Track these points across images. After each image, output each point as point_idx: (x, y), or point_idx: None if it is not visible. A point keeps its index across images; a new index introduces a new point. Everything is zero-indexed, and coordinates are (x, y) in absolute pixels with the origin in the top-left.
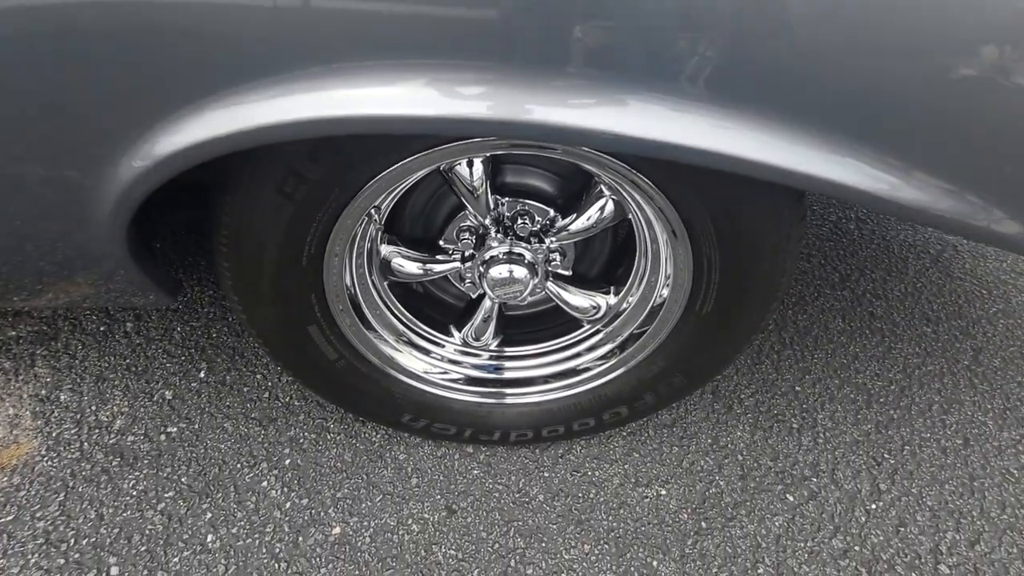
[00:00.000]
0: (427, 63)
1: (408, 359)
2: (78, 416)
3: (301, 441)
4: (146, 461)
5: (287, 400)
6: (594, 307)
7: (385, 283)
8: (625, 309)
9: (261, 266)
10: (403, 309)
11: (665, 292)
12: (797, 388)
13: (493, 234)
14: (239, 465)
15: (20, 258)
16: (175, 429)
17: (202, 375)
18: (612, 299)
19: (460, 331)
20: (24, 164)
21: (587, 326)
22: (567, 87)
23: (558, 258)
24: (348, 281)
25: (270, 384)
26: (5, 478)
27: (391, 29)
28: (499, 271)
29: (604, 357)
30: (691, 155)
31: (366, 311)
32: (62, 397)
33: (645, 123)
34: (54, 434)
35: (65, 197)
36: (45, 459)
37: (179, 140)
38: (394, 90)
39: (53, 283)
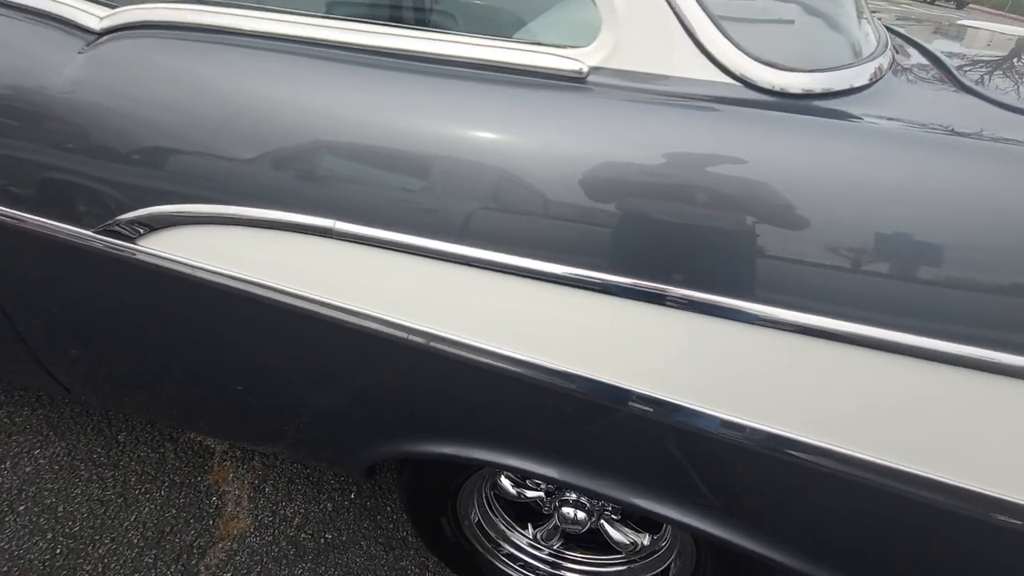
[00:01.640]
0: None
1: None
2: (274, 507)
3: (408, 572)
4: (310, 556)
5: (403, 535)
6: (632, 544)
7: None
8: (657, 551)
9: (420, 497)
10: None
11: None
12: None
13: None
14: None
15: (307, 439)
16: (330, 536)
17: (352, 496)
18: (647, 539)
19: (533, 530)
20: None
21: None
22: None
23: (611, 506)
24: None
25: (394, 517)
26: (228, 543)
27: None
28: (568, 511)
29: None
30: None
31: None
32: (267, 489)
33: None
34: (259, 518)
35: (352, 442)
36: (252, 535)
37: (421, 450)
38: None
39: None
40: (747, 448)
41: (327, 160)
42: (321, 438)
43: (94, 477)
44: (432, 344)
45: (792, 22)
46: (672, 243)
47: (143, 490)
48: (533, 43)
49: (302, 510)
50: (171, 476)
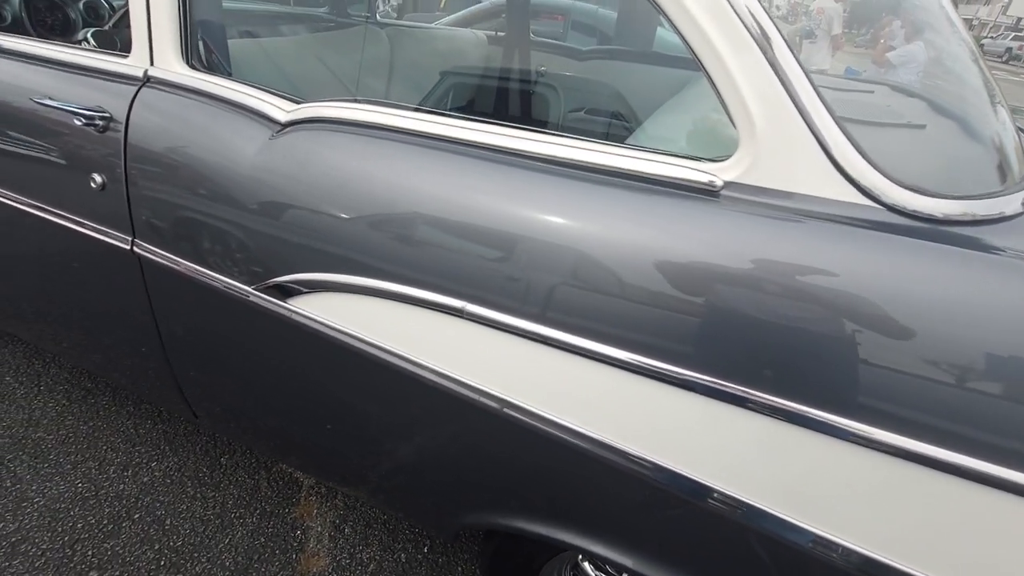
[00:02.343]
0: None
1: None
2: (351, 550)
3: None
4: None
5: None
6: None
7: None
8: None
9: (502, 569)
10: None
11: None
12: None
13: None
14: None
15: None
16: None
17: (426, 550)
18: None
19: None
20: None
21: None
22: None
23: None
24: None
25: (460, 571)
26: None
27: None
28: None
29: None
30: None
31: None
32: (346, 530)
33: None
34: (336, 558)
35: (446, 506)
36: (329, 574)
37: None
38: None
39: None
40: (834, 565)
41: (466, 249)
42: (420, 496)
43: (197, 495)
44: (535, 423)
45: (924, 127)
46: (795, 360)
47: (238, 514)
48: (671, 155)
49: (377, 556)
50: (262, 504)
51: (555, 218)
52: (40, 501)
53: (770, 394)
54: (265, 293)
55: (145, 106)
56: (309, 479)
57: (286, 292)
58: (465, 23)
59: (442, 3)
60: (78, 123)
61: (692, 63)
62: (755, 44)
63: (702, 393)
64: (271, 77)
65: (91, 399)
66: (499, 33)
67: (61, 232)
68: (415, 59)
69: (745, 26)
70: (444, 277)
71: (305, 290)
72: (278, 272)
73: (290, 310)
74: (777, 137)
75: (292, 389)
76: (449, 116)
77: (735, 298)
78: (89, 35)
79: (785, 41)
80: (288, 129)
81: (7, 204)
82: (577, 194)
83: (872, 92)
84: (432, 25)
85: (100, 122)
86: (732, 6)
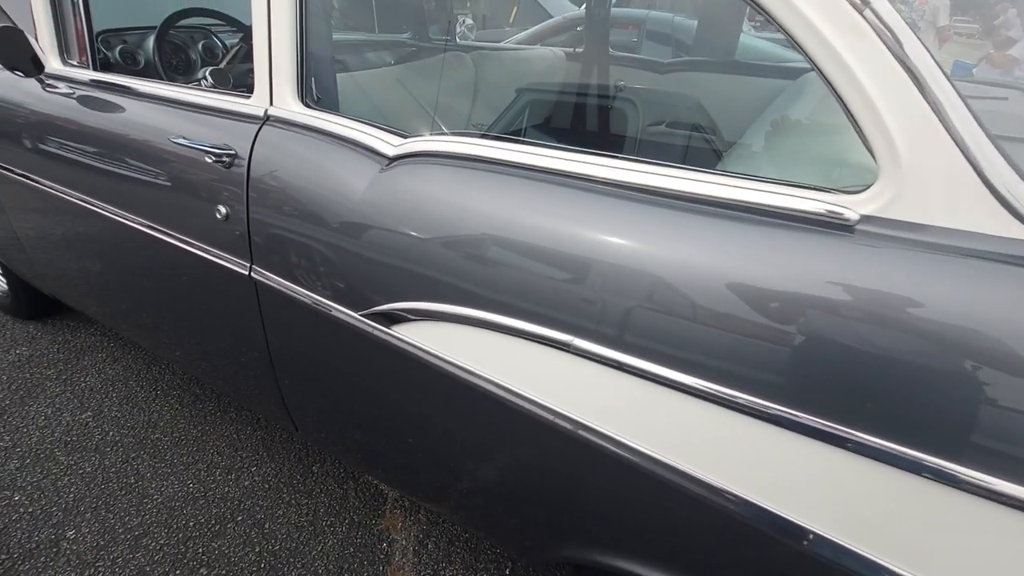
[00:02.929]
0: None
1: None
2: (435, 566)
3: None
4: None
5: None
6: None
7: None
8: None
9: None
10: None
11: None
12: None
13: None
14: None
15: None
16: None
17: (507, 572)
18: None
19: None
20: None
21: None
22: None
23: None
24: None
25: None
26: None
27: None
28: None
29: None
30: None
31: None
32: (430, 546)
33: None
34: (421, 573)
35: (546, 539)
36: None
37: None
38: None
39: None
40: None
41: (573, 283)
42: (521, 529)
43: (292, 501)
44: (638, 460)
45: None
46: (948, 418)
47: (328, 523)
48: (801, 186)
49: (459, 575)
50: (351, 514)
51: (665, 253)
52: (158, 499)
53: (899, 444)
54: (370, 320)
55: (265, 143)
56: (393, 492)
57: (390, 319)
58: (538, 38)
59: (511, 18)
60: (208, 160)
61: (782, 71)
62: (886, 48)
63: (837, 445)
64: (371, 109)
65: (199, 404)
66: (576, 49)
67: (187, 256)
68: (499, 81)
69: (868, 23)
70: (550, 310)
71: (409, 318)
72: (383, 300)
73: (393, 336)
74: (925, 165)
75: (390, 409)
76: (555, 148)
77: (873, 342)
78: (207, 73)
79: (921, 43)
80: (396, 163)
81: (141, 229)
82: (689, 228)
83: (1007, 99)
84: (513, 46)
85: (226, 159)
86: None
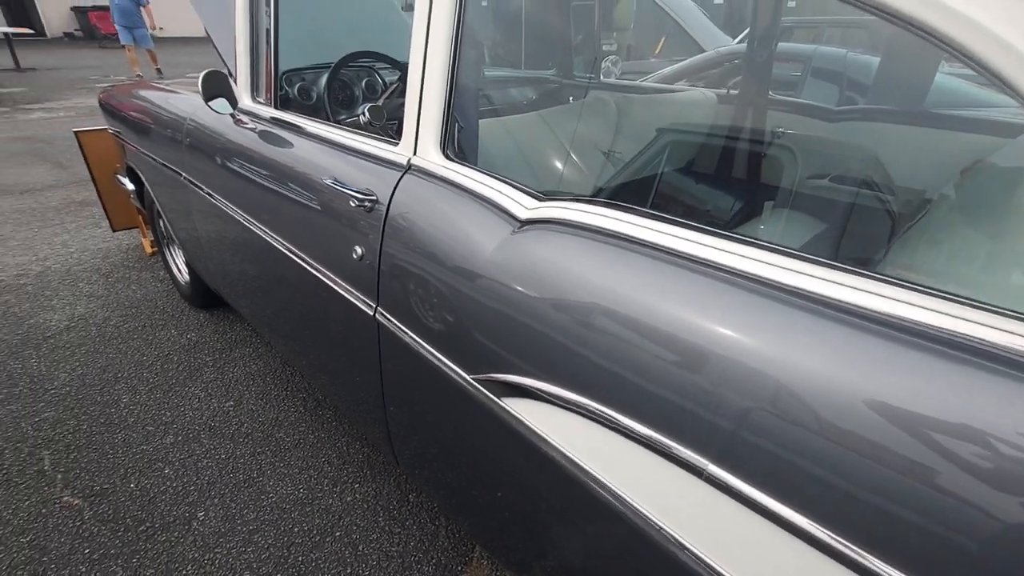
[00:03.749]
0: None
1: None
2: None
3: None
4: None
5: None
6: None
7: None
8: None
9: None
10: None
11: None
12: None
13: None
14: None
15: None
16: None
17: None
18: None
19: None
20: None
21: None
22: None
23: None
24: None
25: None
26: None
27: None
28: None
29: None
30: None
31: None
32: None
33: None
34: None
35: None
36: None
37: None
38: None
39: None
40: None
41: (723, 402)
42: None
43: (386, 528)
44: None
45: None
46: None
47: (416, 559)
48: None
49: None
50: (439, 554)
51: (859, 385)
52: (273, 497)
53: None
54: (482, 385)
55: (405, 192)
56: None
57: (501, 390)
58: (686, 74)
59: (658, 48)
60: (352, 204)
61: (992, 126)
62: None
63: None
64: (509, 156)
65: (320, 411)
66: (730, 90)
67: (322, 285)
68: (643, 126)
69: None
70: (688, 422)
71: (521, 393)
72: (497, 370)
73: (503, 409)
74: None
75: (488, 468)
76: (716, 236)
77: None
78: (366, 110)
79: None
80: (527, 227)
81: (288, 254)
82: (894, 362)
83: None
84: (661, 86)
85: (368, 204)
86: None
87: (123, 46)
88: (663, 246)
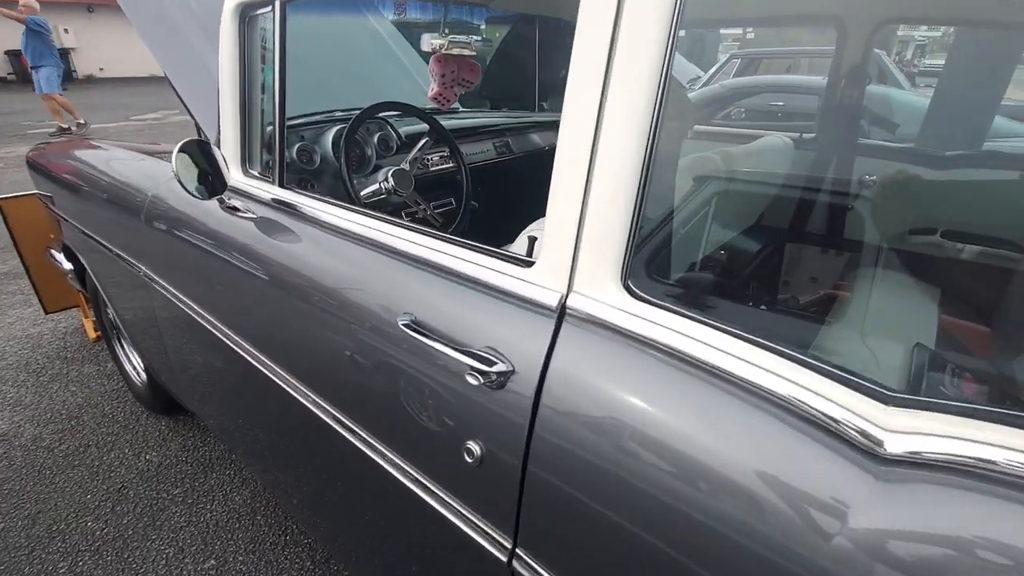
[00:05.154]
0: None
1: None
2: None
3: None
4: None
5: None
6: None
7: None
8: None
9: None
10: None
11: None
12: None
13: None
14: None
15: None
16: None
17: None
18: None
19: None
20: None
21: None
22: None
23: None
24: None
25: None
26: None
27: None
28: None
29: None
30: None
31: None
32: None
33: None
34: None
35: None
36: None
37: None
38: None
39: None
40: None
41: None
42: None
43: None
44: None
45: None
46: None
47: None
48: None
49: None
50: None
51: None
52: None
53: None
54: None
55: (566, 358)
56: None
57: None
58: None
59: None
60: (467, 376)
61: None
62: None
63: None
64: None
65: (330, 565)
66: (804, 135)
67: (407, 496)
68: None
69: None
70: None
71: None
72: None
73: None
74: None
75: None
76: None
77: None
78: (390, 175)
79: None
80: (900, 468)
81: (331, 424)
82: None
83: None
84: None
85: (496, 377)
86: None
87: (43, 96)
88: None
